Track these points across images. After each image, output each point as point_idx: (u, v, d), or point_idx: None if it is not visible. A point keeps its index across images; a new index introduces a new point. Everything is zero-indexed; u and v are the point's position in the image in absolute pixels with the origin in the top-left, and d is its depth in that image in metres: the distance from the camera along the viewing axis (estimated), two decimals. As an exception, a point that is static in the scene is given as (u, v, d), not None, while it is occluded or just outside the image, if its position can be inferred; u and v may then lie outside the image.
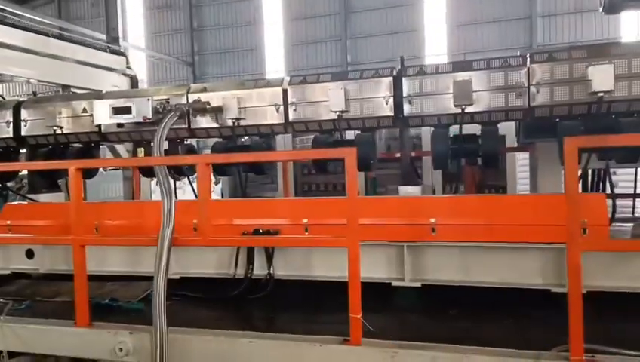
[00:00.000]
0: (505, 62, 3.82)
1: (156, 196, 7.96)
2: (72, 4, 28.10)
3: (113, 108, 4.24)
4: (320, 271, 3.76)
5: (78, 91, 6.32)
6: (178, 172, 4.55)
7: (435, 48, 24.48)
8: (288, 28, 26.27)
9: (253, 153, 4.10)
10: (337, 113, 3.98)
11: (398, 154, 5.32)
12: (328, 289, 3.69)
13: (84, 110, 4.61)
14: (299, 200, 4.35)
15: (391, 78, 3.86)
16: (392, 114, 3.90)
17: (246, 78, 24.23)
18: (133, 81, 7.11)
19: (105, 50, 6.81)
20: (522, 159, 7.07)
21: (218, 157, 3.86)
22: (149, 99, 4.17)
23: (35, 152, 4.91)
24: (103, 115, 4.30)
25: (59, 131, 4.68)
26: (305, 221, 3.77)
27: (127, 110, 4.19)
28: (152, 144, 3.86)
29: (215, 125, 4.29)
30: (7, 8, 14.42)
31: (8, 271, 4.58)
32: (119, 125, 4.46)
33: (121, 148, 6.44)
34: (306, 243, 3.49)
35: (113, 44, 9.70)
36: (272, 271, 3.77)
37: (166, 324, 2.97)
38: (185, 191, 7.27)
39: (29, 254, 4.52)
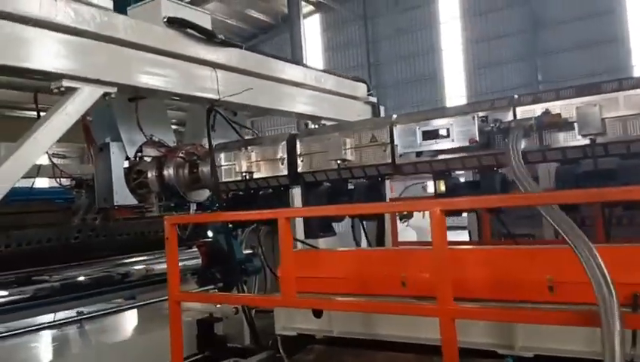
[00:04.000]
0: None
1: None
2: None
3: (424, 131, 3.39)
4: None
5: (327, 123, 5.77)
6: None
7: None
8: (469, 51, 24.95)
9: None
10: None
11: None
12: None
13: (373, 138, 3.86)
14: None
15: None
16: None
17: (425, 107, 23.32)
18: (375, 109, 6.44)
19: (347, 77, 6.24)
20: None
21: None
22: (473, 117, 3.23)
23: (313, 190, 4.29)
24: (407, 141, 3.48)
25: (343, 165, 3.99)
26: None
27: (443, 133, 3.31)
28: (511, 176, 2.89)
29: (560, 145, 3.20)
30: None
31: (294, 333, 3.91)
32: (418, 154, 3.61)
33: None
34: None
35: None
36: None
37: None
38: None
39: (317, 312, 3.82)
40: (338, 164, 4.00)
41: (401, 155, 3.61)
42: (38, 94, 5.23)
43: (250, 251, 5.85)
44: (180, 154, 4.95)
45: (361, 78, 6.52)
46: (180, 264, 6.44)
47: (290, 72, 5.29)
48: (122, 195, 4.58)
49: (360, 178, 4.08)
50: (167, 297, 5.64)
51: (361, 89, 6.35)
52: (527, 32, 23.70)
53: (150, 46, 4.02)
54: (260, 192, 4.70)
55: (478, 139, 3.21)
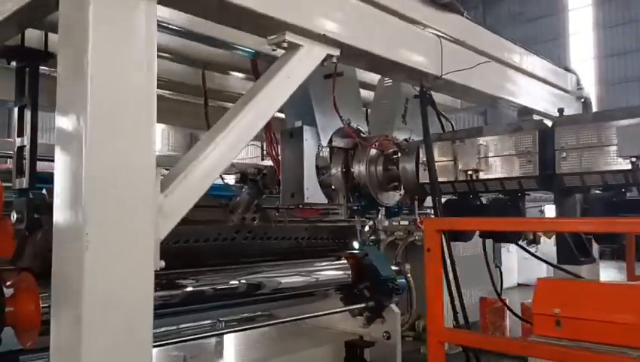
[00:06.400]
0: None
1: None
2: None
3: None
4: None
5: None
6: None
7: None
8: (603, 65, 22.64)
9: None
10: None
11: None
12: None
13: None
14: None
15: None
16: None
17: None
18: (588, 107, 5.23)
19: (556, 65, 5.10)
20: None
21: None
22: None
23: (572, 199, 3.19)
24: None
25: (636, 165, 2.86)
26: None
27: None
28: None
29: None
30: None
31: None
32: None
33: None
34: None
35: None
36: None
37: None
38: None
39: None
40: (632, 163, 2.88)
41: None
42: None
43: (397, 268, 5.10)
44: (375, 146, 4.04)
45: (571, 68, 5.33)
46: (317, 276, 5.57)
47: (512, 53, 4.25)
48: (313, 191, 3.71)
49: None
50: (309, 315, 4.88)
51: (571, 80, 5.18)
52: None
53: (377, 1, 3.13)
54: (484, 198, 3.69)
55: None
